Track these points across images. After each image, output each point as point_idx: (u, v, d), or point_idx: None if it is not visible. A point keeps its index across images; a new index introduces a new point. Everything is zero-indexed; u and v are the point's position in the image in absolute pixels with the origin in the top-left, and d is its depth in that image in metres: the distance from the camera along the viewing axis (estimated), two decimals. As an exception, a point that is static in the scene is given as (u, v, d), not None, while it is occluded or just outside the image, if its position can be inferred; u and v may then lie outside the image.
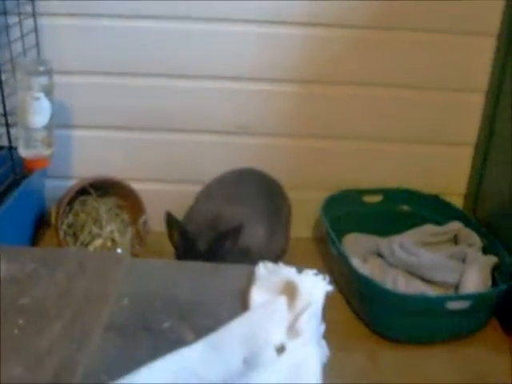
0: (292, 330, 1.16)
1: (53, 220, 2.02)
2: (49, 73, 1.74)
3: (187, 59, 2.03)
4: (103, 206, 2.03)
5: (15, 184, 1.83)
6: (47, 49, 1.97)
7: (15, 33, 1.89)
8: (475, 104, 2.11)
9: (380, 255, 2.00)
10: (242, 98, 2.08)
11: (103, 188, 2.05)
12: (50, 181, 2.13)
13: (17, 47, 1.89)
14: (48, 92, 1.75)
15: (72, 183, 2.08)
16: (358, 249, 2.00)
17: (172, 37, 2.00)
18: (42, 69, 1.72)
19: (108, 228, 1.99)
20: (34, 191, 2.05)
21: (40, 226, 2.12)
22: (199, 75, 2.05)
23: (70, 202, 2.00)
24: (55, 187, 2.12)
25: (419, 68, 2.06)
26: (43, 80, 1.73)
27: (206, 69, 2.05)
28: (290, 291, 1.25)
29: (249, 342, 1.12)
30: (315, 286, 1.27)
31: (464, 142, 2.17)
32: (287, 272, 1.28)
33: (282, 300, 1.22)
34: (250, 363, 1.09)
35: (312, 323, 1.20)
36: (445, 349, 1.76)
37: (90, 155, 2.13)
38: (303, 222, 2.18)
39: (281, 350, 1.12)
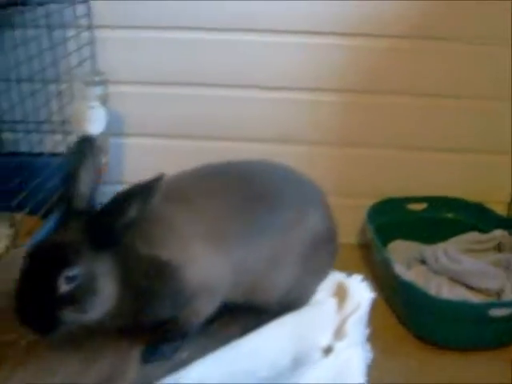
0: (339, 331, 1.21)
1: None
2: (104, 83, 1.83)
3: (231, 70, 2.10)
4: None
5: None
6: (101, 60, 2.06)
7: (72, 45, 1.98)
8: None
9: (424, 262, 2.02)
10: (286, 107, 2.13)
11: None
12: (103, 187, 2.20)
13: (73, 59, 1.99)
14: (103, 101, 1.84)
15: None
16: (402, 256, 2.03)
17: (217, 48, 2.07)
18: (97, 79, 1.81)
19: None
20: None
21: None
22: (246, 85, 2.12)
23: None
24: (110, 193, 2.18)
25: (462, 78, 2.08)
26: (99, 90, 1.81)
27: (249, 79, 2.11)
28: (340, 294, 1.30)
29: (298, 341, 1.17)
30: (363, 291, 1.32)
31: (506, 151, 2.18)
32: (338, 276, 1.34)
33: (332, 302, 1.27)
34: (298, 362, 1.14)
35: (358, 326, 1.25)
36: (487, 355, 1.78)
37: (142, 162, 2.20)
38: (348, 228, 2.22)
39: (328, 351, 1.17)
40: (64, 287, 0.92)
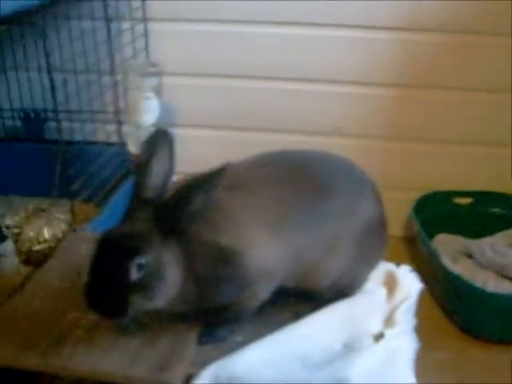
0: (390, 319, 1.24)
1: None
2: (158, 74, 1.87)
3: (285, 62, 2.12)
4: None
5: (125, 177, 1.96)
6: (154, 52, 2.10)
7: (126, 37, 2.03)
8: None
9: (470, 256, 2.03)
10: (337, 100, 2.15)
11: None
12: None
13: (128, 50, 2.04)
14: (157, 92, 1.88)
15: (175, 179, 2.20)
16: (448, 249, 2.04)
17: (267, 41, 2.10)
18: (152, 70, 1.85)
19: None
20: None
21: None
22: (296, 78, 2.14)
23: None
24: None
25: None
26: (153, 81, 1.86)
27: (302, 71, 2.14)
28: (389, 283, 1.33)
29: (349, 327, 1.21)
30: (412, 281, 1.35)
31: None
32: (388, 265, 1.36)
33: (383, 291, 1.30)
34: (349, 347, 1.18)
35: (407, 315, 1.28)
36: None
37: (193, 153, 2.24)
38: (395, 221, 2.23)
39: (379, 337, 1.20)
40: (135, 274, 0.96)
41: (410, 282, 1.35)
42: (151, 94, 1.86)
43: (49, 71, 1.50)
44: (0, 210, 1.81)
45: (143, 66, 1.89)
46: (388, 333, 1.20)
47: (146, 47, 2.06)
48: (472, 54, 2.06)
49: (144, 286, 0.98)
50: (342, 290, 1.21)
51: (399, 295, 1.31)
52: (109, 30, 1.88)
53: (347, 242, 1.13)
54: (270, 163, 1.17)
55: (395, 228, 2.27)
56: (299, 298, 1.25)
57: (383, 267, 1.37)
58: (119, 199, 1.83)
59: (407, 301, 1.29)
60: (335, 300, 1.22)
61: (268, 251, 1.06)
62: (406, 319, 1.26)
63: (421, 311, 1.31)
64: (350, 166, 1.25)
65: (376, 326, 1.23)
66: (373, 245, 1.21)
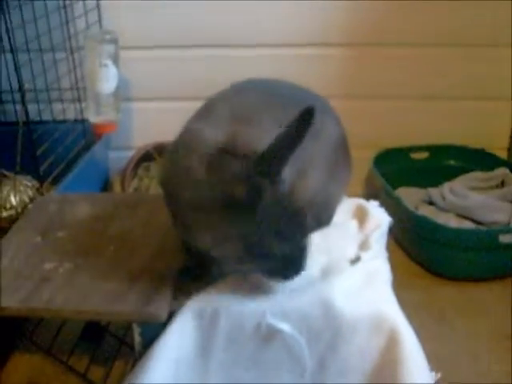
0: (364, 244, 1.28)
1: (118, 186, 2.14)
2: (115, 41, 1.87)
3: (240, 29, 2.15)
4: (166, 170, 2.14)
5: (87, 148, 1.96)
6: (107, 25, 2.09)
7: (79, 11, 2.02)
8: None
9: (431, 203, 2.08)
10: (292, 62, 2.18)
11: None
12: (113, 152, 2.26)
13: (81, 25, 2.03)
14: (114, 60, 1.88)
15: (133, 153, 2.20)
16: (409, 199, 2.07)
17: (223, 8, 2.12)
18: (108, 37, 1.85)
19: (172, 190, 2.10)
20: (100, 160, 2.17)
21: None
22: (252, 44, 2.17)
23: (135, 168, 2.12)
24: (117, 159, 2.25)
25: (462, 26, 2.14)
26: (110, 48, 1.86)
27: (257, 37, 2.16)
28: (360, 215, 1.38)
29: (326, 254, 1.23)
30: (381, 214, 1.39)
31: (505, 96, 2.23)
32: (358, 200, 1.41)
33: (354, 223, 1.34)
34: (326, 272, 1.20)
35: (380, 242, 1.31)
36: (499, 285, 1.84)
37: (151, 125, 2.25)
38: (354, 180, 2.26)
39: (356, 260, 1.23)
40: None
41: (379, 214, 1.39)
42: (109, 62, 1.86)
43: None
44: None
45: (100, 33, 1.89)
46: (364, 256, 1.23)
47: (99, 20, 2.06)
48: (421, 9, 2.12)
49: None
50: (318, 209, 1.22)
51: (371, 225, 1.34)
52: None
53: (321, 158, 1.15)
54: (259, 91, 1.18)
55: (355, 187, 2.31)
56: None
57: (353, 201, 1.41)
58: (85, 164, 1.83)
59: (379, 229, 1.32)
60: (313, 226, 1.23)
61: None
62: (379, 245, 1.30)
63: (390, 259, 1.31)
64: (307, 88, 1.27)
65: (351, 251, 1.26)
66: (341, 163, 1.22)
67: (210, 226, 0.99)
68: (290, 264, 1.03)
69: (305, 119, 0.93)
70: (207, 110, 1.14)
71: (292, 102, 1.11)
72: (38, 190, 1.63)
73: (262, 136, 0.97)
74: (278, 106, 1.10)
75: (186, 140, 1.06)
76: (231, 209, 0.95)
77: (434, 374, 1.16)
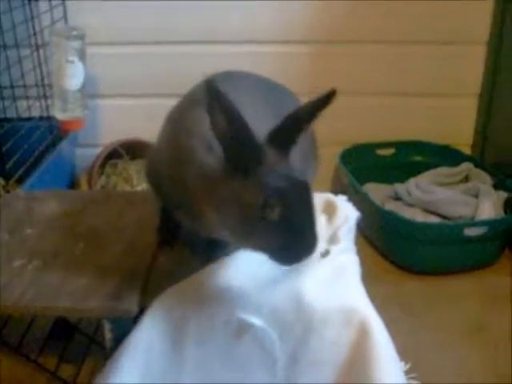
0: (333, 238, 1.28)
1: (85, 183, 2.13)
2: (81, 37, 1.86)
3: (205, 26, 2.15)
4: (133, 167, 2.14)
5: (53, 145, 1.94)
6: (72, 21, 2.08)
7: (44, 6, 2.00)
8: (478, 55, 2.22)
9: (397, 199, 2.11)
10: (257, 59, 2.17)
11: (131, 152, 2.15)
12: (80, 150, 2.24)
13: (46, 21, 2.01)
14: (81, 56, 1.87)
15: (100, 151, 2.19)
16: (376, 195, 2.09)
17: (189, 4, 2.12)
18: (75, 33, 1.84)
19: (139, 187, 2.10)
20: (66, 157, 2.15)
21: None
22: (217, 40, 2.18)
23: (102, 166, 2.11)
24: (84, 156, 2.23)
25: (427, 24, 2.17)
26: (77, 44, 1.85)
27: (222, 34, 2.18)
28: (329, 210, 1.38)
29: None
30: (349, 208, 1.40)
31: (469, 93, 2.27)
32: (326, 195, 1.41)
33: (323, 217, 1.35)
34: (296, 266, 1.21)
35: (349, 235, 1.32)
36: (464, 277, 1.87)
37: (117, 123, 2.23)
38: (320, 177, 2.28)
39: (325, 254, 1.23)
40: None
41: (347, 209, 1.40)
42: (75, 58, 1.84)
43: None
44: None
45: (66, 29, 1.87)
46: (333, 249, 1.24)
47: (65, 16, 2.04)
48: (387, 6, 2.15)
49: None
50: None
51: (339, 219, 1.35)
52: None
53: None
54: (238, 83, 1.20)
55: (322, 183, 2.32)
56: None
57: (322, 196, 1.42)
58: (51, 161, 1.81)
59: (347, 223, 1.33)
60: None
61: None
62: (348, 239, 1.31)
63: (358, 254, 1.31)
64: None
65: (320, 245, 1.26)
66: (309, 149, 1.22)
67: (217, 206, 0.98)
68: (301, 240, 0.97)
69: (325, 100, 0.97)
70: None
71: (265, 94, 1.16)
72: (3, 187, 1.61)
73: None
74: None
75: (189, 125, 1.07)
76: (235, 180, 0.94)
77: (403, 364, 1.17)
